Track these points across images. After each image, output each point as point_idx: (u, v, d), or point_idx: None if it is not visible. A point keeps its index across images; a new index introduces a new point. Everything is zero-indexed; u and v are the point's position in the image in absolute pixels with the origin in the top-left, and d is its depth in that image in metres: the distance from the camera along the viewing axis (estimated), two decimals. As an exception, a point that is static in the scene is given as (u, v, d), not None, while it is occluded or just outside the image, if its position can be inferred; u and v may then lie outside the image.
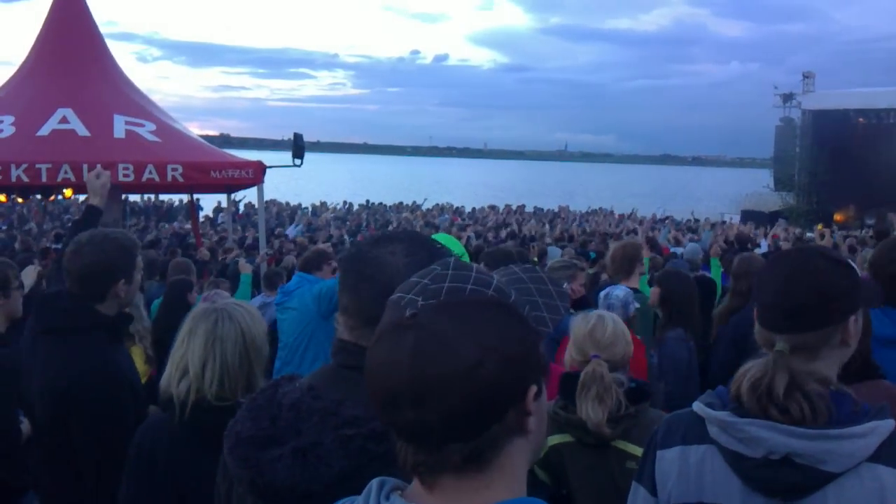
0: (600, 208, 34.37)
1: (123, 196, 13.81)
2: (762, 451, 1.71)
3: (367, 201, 35.14)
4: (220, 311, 2.61)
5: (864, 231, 21.97)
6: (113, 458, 2.83)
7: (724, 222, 28.05)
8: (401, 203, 35.56)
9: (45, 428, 3.05)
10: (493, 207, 32.89)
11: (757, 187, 36.85)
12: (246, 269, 7.74)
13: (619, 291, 5.07)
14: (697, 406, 1.86)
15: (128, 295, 3.24)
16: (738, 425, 1.75)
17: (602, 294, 5.19)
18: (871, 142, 30.91)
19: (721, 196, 50.18)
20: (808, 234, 15.37)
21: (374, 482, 1.24)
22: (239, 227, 20.32)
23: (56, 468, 3.07)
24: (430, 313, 1.14)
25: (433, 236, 3.30)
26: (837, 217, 29.82)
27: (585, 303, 6.21)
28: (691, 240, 15.53)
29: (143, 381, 4.63)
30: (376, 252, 1.72)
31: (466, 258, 3.17)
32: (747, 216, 31.53)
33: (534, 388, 1.15)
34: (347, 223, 25.10)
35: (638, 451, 2.71)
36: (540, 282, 1.36)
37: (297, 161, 12.05)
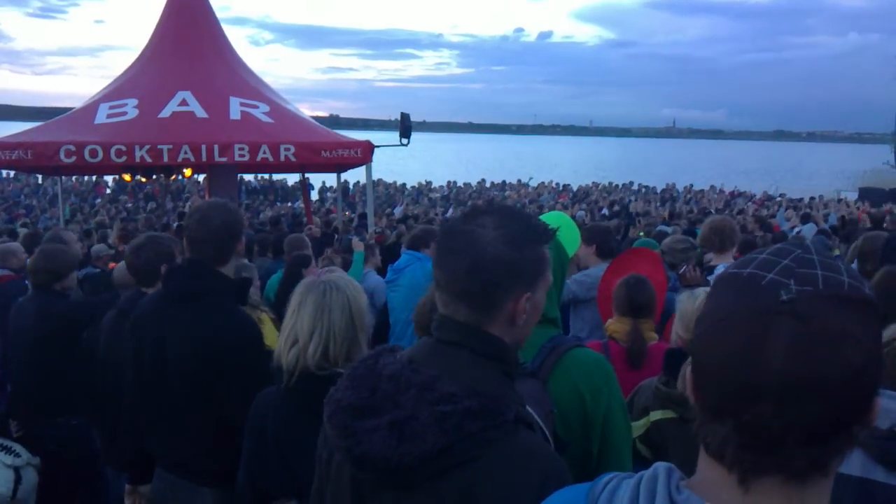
0: (711, 186, 33.44)
1: (239, 176, 14.31)
2: (889, 423, 1.69)
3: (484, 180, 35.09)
4: (328, 282, 2.72)
5: None
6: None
7: (839, 200, 26.94)
8: (504, 181, 35.51)
9: (190, 395, 3.19)
10: (596, 184, 32.51)
11: (876, 163, 35.18)
12: (359, 246, 7.92)
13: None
14: None
15: (239, 257, 3.45)
16: None
17: (716, 274, 5.09)
18: None
19: (837, 173, 48.14)
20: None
21: (661, 469, 1.14)
22: (346, 207, 20.70)
23: (197, 435, 3.25)
24: (813, 303, 0.99)
25: (545, 215, 3.35)
26: (966, 195, 28.21)
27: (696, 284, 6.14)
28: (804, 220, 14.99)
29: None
30: (467, 226, 1.71)
31: (577, 236, 3.16)
32: (865, 194, 30.16)
33: (878, 398, 1.03)
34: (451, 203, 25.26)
35: None
36: (834, 270, 1.11)
37: (405, 140, 12.22)
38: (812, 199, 27.35)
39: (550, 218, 3.15)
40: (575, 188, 32.42)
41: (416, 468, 1.54)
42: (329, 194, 28.13)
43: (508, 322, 1.71)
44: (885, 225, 12.21)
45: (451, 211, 20.91)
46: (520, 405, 1.67)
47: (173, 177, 14.35)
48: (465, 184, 33.97)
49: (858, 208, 22.74)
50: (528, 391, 1.91)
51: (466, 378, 1.62)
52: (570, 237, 2.87)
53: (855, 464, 1.75)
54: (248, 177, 28.73)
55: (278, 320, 5.21)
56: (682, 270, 6.35)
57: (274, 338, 4.94)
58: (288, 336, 2.70)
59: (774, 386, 0.97)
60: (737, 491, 1.04)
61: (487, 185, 34.50)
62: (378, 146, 11.86)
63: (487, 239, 1.67)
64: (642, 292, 4.14)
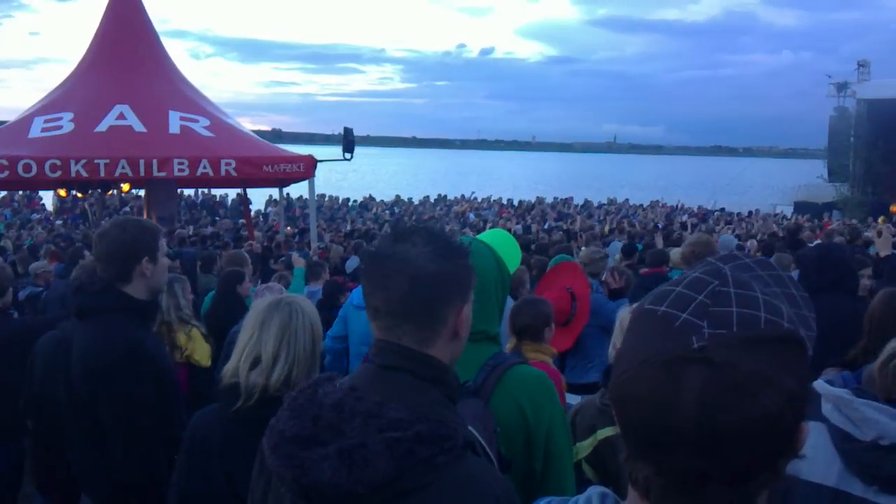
0: (656, 201, 33.98)
1: (178, 191, 14.08)
2: (872, 435, 1.67)
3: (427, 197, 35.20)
4: (293, 304, 2.68)
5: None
6: (137, 435, 3.04)
7: (776, 214, 27.59)
8: (446, 196, 35.62)
9: (83, 407, 3.18)
10: (540, 200, 32.79)
11: (810, 178, 36.12)
12: (299, 262, 7.85)
13: None
14: (818, 383, 1.82)
15: (154, 276, 3.37)
16: (853, 404, 1.70)
17: None
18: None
19: (774, 187, 49.27)
20: (866, 234, 15.02)
21: (595, 494, 1.14)
22: (283, 221, 20.50)
23: (90, 448, 3.22)
24: (723, 348, 0.96)
25: (485, 233, 3.33)
26: (894, 208, 29.07)
27: (620, 293, 6.29)
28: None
29: (210, 362, 4.77)
30: (397, 247, 1.71)
31: (518, 253, 3.16)
32: (800, 207, 30.96)
33: (806, 427, 1.02)
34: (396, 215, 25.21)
35: None
36: (783, 284, 1.11)
37: (348, 155, 12.18)
38: (749, 212, 27.97)
39: (491, 235, 3.15)
40: (517, 203, 32.65)
41: (367, 497, 1.51)
42: (271, 209, 27.87)
43: (451, 336, 1.72)
44: (800, 236, 12.60)
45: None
46: (465, 428, 1.66)
47: (110, 192, 14.05)
48: (408, 198, 33.98)
49: (795, 221, 23.33)
50: (471, 411, 1.91)
51: (411, 403, 1.60)
52: (510, 254, 2.87)
53: (832, 474, 1.75)
54: (189, 192, 28.33)
55: (211, 334, 5.14)
56: (603, 277, 6.67)
57: (204, 353, 4.87)
58: (247, 356, 2.62)
59: (690, 435, 0.95)
60: None
61: (432, 199, 34.55)
62: (321, 161, 11.80)
63: (420, 256, 1.68)
64: (519, 315, 4.21)
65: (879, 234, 6.08)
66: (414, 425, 1.54)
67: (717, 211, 30.05)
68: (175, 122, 11.35)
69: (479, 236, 2.91)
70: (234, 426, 2.63)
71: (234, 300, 5.93)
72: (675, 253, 7.66)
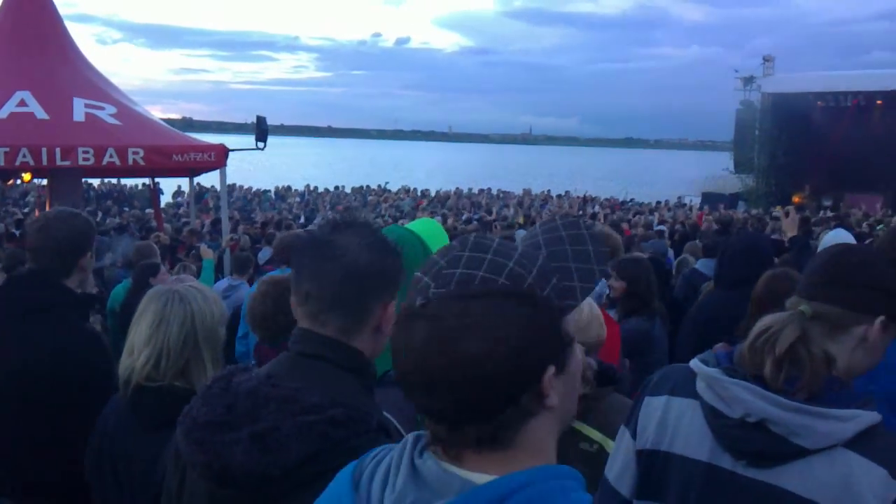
0: (566, 192, 34.52)
1: (83, 180, 13.63)
2: (740, 412, 1.73)
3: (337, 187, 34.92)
4: (173, 292, 2.59)
5: (822, 212, 22.29)
6: (79, 434, 2.87)
7: (684, 205, 28.33)
8: (363, 187, 35.44)
9: (21, 408, 3.04)
10: (457, 191, 32.92)
11: (717, 170, 37.22)
12: (207, 254, 7.69)
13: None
14: (693, 361, 1.89)
15: (88, 270, 3.29)
16: (723, 383, 1.76)
17: None
18: (829, 125, 31.26)
19: (683, 179, 50.64)
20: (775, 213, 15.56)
21: (411, 436, 1.24)
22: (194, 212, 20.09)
23: (33, 450, 3.07)
24: (438, 304, 1.14)
25: (415, 222, 3.30)
26: (795, 199, 30.11)
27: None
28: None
29: None
30: (335, 237, 1.75)
31: (445, 240, 3.15)
32: (708, 198, 31.87)
33: (551, 369, 1.14)
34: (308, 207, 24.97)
35: (593, 433, 2.72)
36: (579, 241, 1.26)
37: (261, 144, 11.98)
38: (658, 203, 28.65)
39: (420, 225, 3.12)
40: (433, 193, 32.71)
41: (280, 480, 1.52)
42: (182, 199, 27.26)
43: (375, 330, 1.76)
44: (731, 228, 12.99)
45: (317, 218, 20.62)
46: (380, 414, 1.68)
47: (10, 182, 13.52)
48: (325, 189, 33.66)
49: (701, 211, 24.00)
50: (391, 399, 1.91)
51: (328, 390, 1.62)
52: (438, 243, 2.85)
53: (704, 449, 1.80)
54: (94, 181, 27.47)
55: (124, 328, 4.99)
56: None
57: None
58: (127, 346, 2.59)
59: (419, 379, 1.13)
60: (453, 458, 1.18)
61: (347, 190, 34.31)
62: (233, 150, 11.57)
63: (357, 249, 1.72)
64: None
65: (787, 214, 6.18)
66: (328, 410, 1.57)
67: (628, 201, 30.70)
68: (80, 110, 10.95)
69: (407, 225, 2.89)
70: (121, 416, 2.59)
71: (149, 292, 5.74)
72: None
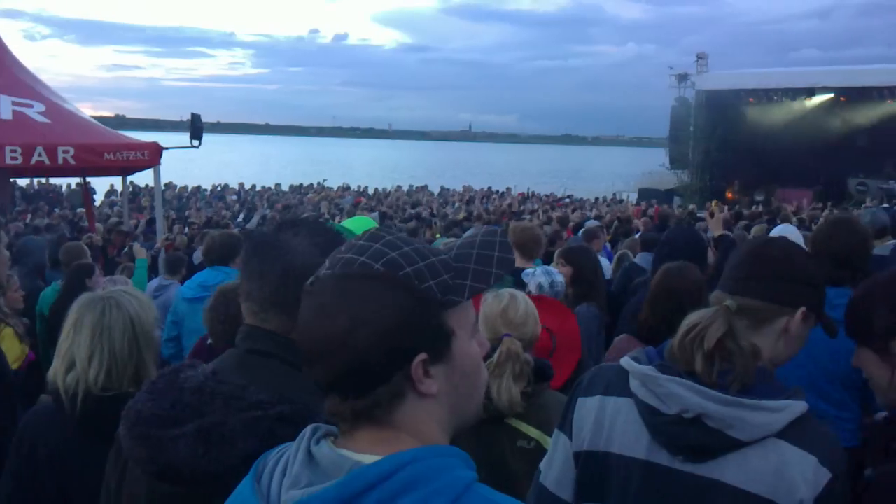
0: (508, 189, 34.71)
1: (11, 180, 13.24)
2: (676, 409, 1.75)
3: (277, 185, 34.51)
4: (108, 299, 2.54)
5: (754, 207, 22.78)
6: None
7: (621, 201, 28.73)
8: (301, 185, 35.10)
9: None
10: (397, 188, 32.84)
11: (653, 166, 37.76)
12: (141, 253, 7.54)
13: (544, 279, 4.86)
14: (624, 360, 1.91)
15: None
16: (658, 380, 1.79)
17: (533, 280, 4.90)
18: (760, 120, 31.96)
19: (620, 174, 51.35)
20: (699, 214, 15.90)
21: (309, 427, 1.29)
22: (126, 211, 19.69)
23: None
24: (321, 283, 1.24)
25: (350, 220, 3.26)
26: (728, 194, 30.81)
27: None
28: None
29: (18, 364, 4.45)
30: (280, 236, 1.75)
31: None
32: (644, 194, 32.32)
33: (422, 356, 1.21)
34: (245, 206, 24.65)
35: (531, 430, 2.73)
36: (488, 247, 1.32)
37: (195, 142, 11.81)
38: (596, 199, 29.01)
39: (356, 223, 3.08)
40: (372, 191, 32.58)
41: (223, 476, 1.49)
42: (115, 199, 26.66)
43: None
44: (670, 223, 13.22)
45: (255, 217, 20.35)
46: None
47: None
48: (263, 187, 33.24)
49: (637, 206, 24.35)
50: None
51: (275, 387, 1.61)
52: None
53: (641, 447, 1.82)
54: (23, 181, 26.71)
55: (53, 331, 4.84)
56: None
57: (16, 352, 4.56)
58: (63, 358, 2.50)
59: (305, 350, 1.23)
60: (347, 439, 1.25)
61: (285, 188, 33.94)
62: (167, 148, 11.36)
63: (301, 248, 1.72)
64: None
65: (712, 214, 6.34)
66: (275, 406, 1.56)
67: (566, 197, 30.99)
68: (7, 107, 10.65)
69: (343, 223, 2.86)
70: (63, 428, 2.50)
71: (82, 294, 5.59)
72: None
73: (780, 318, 1.90)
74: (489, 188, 34.94)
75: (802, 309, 1.91)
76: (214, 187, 32.74)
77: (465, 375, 1.29)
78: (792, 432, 1.70)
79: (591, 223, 12.03)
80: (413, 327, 1.21)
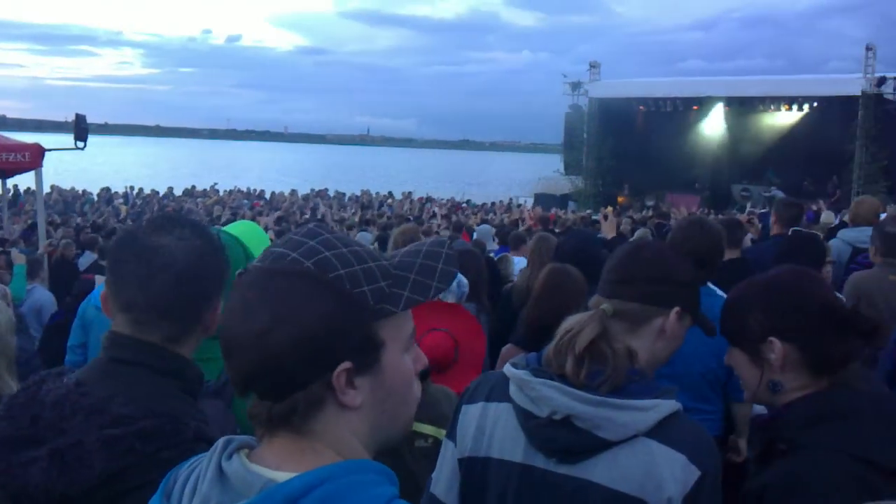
0: (408, 193, 34.72)
1: None
2: (547, 411, 1.76)
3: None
4: None
5: (644, 212, 23.43)
6: None
7: (519, 205, 29.11)
8: (193, 187, 34.23)
9: None
10: (294, 192, 32.39)
11: (548, 171, 38.43)
12: (19, 259, 7.22)
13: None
14: (505, 366, 1.91)
15: None
16: (531, 384, 1.80)
17: None
18: (650, 128, 32.94)
19: (516, 180, 52.09)
20: (594, 217, 16.29)
21: (221, 440, 1.22)
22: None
23: None
24: (248, 276, 1.19)
25: (233, 224, 3.16)
26: (620, 199, 31.63)
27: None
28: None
29: None
30: (159, 240, 1.63)
31: (268, 244, 3.06)
32: (540, 199, 32.86)
33: (346, 364, 1.14)
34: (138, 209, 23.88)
35: (426, 428, 2.74)
36: (432, 258, 1.26)
37: (80, 143, 11.36)
38: (493, 203, 29.31)
39: (239, 228, 2.99)
40: (269, 195, 32.06)
41: (79, 499, 1.41)
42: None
43: (203, 333, 1.68)
44: (551, 226, 13.46)
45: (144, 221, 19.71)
46: (201, 422, 1.59)
47: None
48: (152, 190, 32.22)
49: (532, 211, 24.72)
50: (211, 413, 1.81)
51: (143, 397, 1.52)
52: (260, 247, 2.75)
53: (518, 450, 1.83)
54: None
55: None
56: None
57: None
58: None
59: (223, 343, 1.16)
60: (264, 450, 1.18)
61: (178, 192, 33.01)
62: (49, 150, 10.90)
63: (183, 250, 1.62)
64: None
65: (605, 217, 6.51)
66: (139, 421, 1.48)
67: (464, 202, 31.22)
68: None
69: (226, 228, 2.76)
70: None
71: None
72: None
73: (656, 318, 1.95)
74: (390, 193, 34.91)
75: (676, 309, 1.95)
76: (103, 191, 31.59)
77: (393, 391, 1.24)
78: (661, 431, 1.73)
79: (485, 227, 12.16)
80: (337, 333, 1.15)
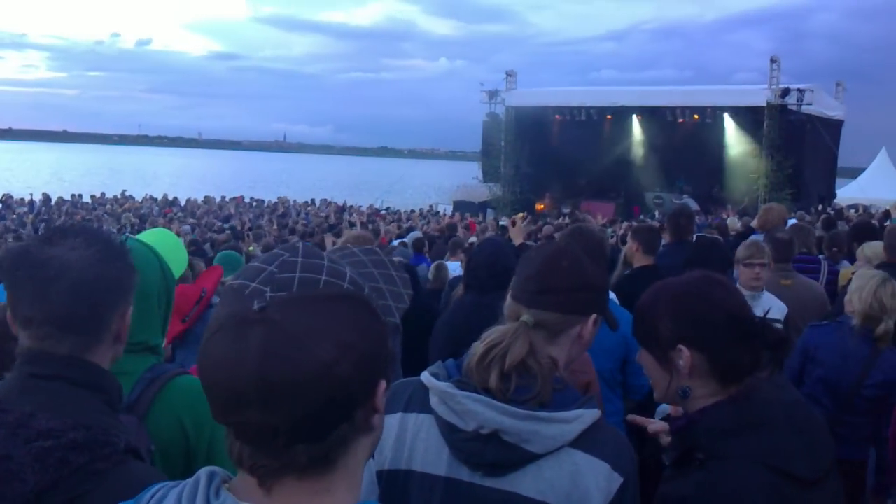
0: (326, 200, 34.44)
1: None
2: (474, 425, 1.75)
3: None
4: None
5: (560, 219, 23.77)
6: None
7: (437, 213, 29.21)
8: (103, 194, 33.23)
9: None
10: (208, 199, 31.77)
11: (467, 179, 38.63)
12: None
13: None
14: (424, 375, 1.88)
15: None
16: (457, 397, 1.77)
17: None
18: (566, 137, 33.41)
19: (436, 187, 52.27)
20: (502, 222, 16.49)
21: (203, 473, 1.13)
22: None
23: None
24: (282, 307, 1.05)
25: (146, 233, 3.06)
26: (538, 206, 32.00)
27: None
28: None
29: None
30: (54, 251, 1.59)
31: (184, 256, 2.98)
32: (459, 206, 33.03)
33: (383, 384, 1.11)
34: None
35: None
36: (383, 266, 1.28)
37: (-18, 148, 10.89)
38: (412, 211, 29.33)
39: (153, 236, 2.90)
40: (183, 202, 31.37)
41: None
42: None
43: (114, 341, 1.65)
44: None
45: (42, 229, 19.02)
46: (128, 434, 1.56)
47: None
48: (59, 198, 31.14)
49: (451, 218, 24.84)
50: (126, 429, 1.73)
51: (67, 412, 1.49)
52: (175, 257, 2.69)
53: (442, 463, 1.82)
54: None
55: None
56: None
57: None
58: None
59: (253, 392, 1.01)
60: (260, 491, 1.08)
61: (86, 199, 31.98)
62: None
63: (81, 260, 1.57)
64: None
65: (514, 223, 6.55)
66: (68, 433, 1.44)
67: (383, 210, 31.16)
68: None
69: (139, 236, 2.67)
70: None
71: None
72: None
73: (575, 326, 1.96)
74: (312, 200, 34.59)
75: (594, 315, 1.98)
76: (5, 197, 30.40)
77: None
78: (584, 441, 1.75)
79: (416, 234, 12.18)
80: (382, 352, 1.11)
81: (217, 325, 1.08)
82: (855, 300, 4.24)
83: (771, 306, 5.19)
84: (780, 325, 4.88)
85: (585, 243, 3.83)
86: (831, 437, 2.01)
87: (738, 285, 5.25)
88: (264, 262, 1.15)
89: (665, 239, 6.48)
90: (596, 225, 12.32)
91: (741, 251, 5.26)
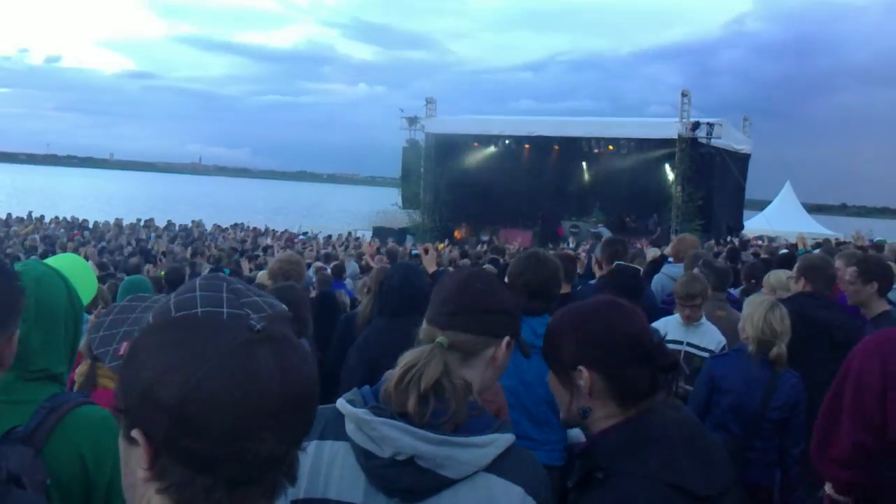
0: (241, 224, 33.89)
1: None
2: (390, 451, 1.75)
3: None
4: None
5: (479, 247, 23.92)
6: None
7: (357, 238, 29.08)
8: (9, 215, 31.99)
9: None
10: (118, 222, 30.88)
11: (386, 205, 38.60)
12: None
13: None
14: (340, 402, 1.87)
15: None
16: (372, 424, 1.77)
17: None
18: (485, 165, 33.77)
19: (355, 213, 52.07)
20: (414, 251, 16.55)
21: None
22: None
23: None
24: (275, 324, 1.09)
25: (56, 257, 2.95)
26: (457, 234, 32.21)
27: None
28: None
29: None
30: None
31: (94, 282, 2.89)
32: (378, 232, 32.96)
33: None
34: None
35: None
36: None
37: None
38: (329, 236, 29.12)
39: (62, 261, 2.81)
40: (92, 224, 30.42)
41: None
42: None
43: None
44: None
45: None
46: (10, 462, 1.54)
47: None
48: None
49: (370, 244, 24.77)
50: (17, 461, 1.67)
51: None
52: (84, 283, 2.60)
53: (358, 491, 1.81)
54: None
55: None
56: None
57: None
58: None
59: (277, 403, 1.01)
60: None
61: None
62: None
63: None
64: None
65: (426, 251, 6.59)
66: None
67: (301, 235, 30.84)
68: None
69: (48, 261, 2.57)
70: None
71: None
72: (262, 276, 7.66)
73: (489, 348, 1.98)
74: (234, 224, 34.00)
75: (507, 338, 2.01)
76: None
77: None
78: (499, 465, 1.77)
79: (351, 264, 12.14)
80: None
81: (205, 359, 1.02)
82: (747, 326, 4.39)
83: (710, 334, 5.33)
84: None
85: (541, 268, 3.91)
86: (729, 457, 2.07)
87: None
88: (208, 290, 1.14)
89: (596, 268, 6.52)
90: (553, 252, 12.45)
91: (680, 288, 5.38)
